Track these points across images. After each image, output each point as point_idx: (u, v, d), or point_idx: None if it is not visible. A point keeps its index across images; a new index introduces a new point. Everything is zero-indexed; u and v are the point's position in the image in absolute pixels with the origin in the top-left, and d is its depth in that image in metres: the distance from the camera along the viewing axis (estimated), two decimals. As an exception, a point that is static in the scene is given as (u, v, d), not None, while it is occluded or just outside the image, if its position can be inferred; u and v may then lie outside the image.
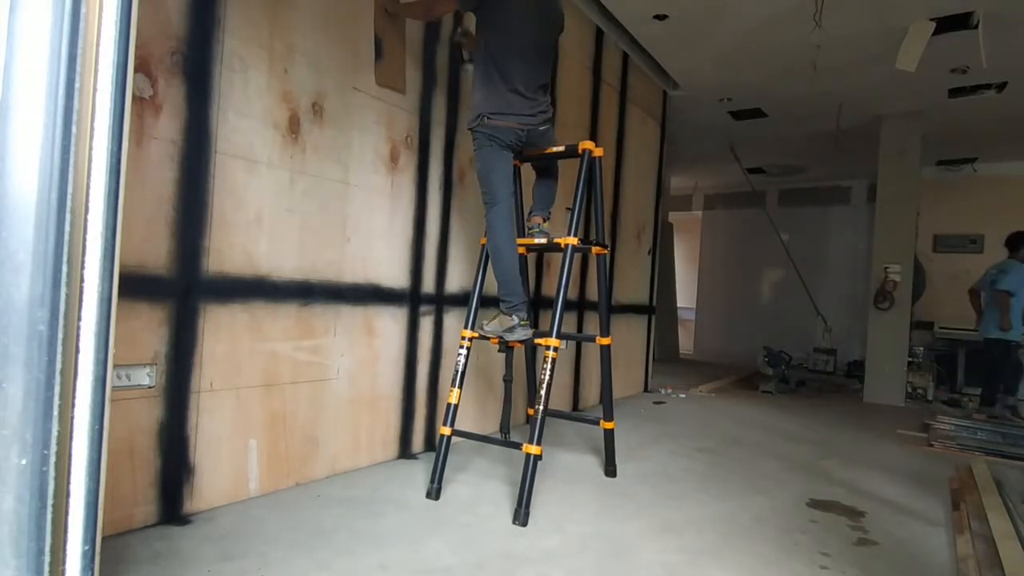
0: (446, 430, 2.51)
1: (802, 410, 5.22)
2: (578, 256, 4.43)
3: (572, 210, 2.56)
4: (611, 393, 2.92)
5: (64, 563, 0.70)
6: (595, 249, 2.82)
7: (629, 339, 5.36)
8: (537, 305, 3.83)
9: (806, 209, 9.31)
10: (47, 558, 0.68)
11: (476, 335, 2.62)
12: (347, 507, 2.28)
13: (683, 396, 5.62)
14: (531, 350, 3.09)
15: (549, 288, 4.05)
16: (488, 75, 2.50)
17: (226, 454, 2.18)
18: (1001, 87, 5.25)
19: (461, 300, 3.23)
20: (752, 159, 8.09)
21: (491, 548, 2.02)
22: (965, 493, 2.90)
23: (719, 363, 8.83)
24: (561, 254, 2.54)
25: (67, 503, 0.70)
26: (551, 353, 2.41)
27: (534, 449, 2.31)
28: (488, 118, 2.47)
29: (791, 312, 9.09)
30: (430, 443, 3.08)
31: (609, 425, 2.89)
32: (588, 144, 2.62)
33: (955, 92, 5.43)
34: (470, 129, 2.56)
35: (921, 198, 6.46)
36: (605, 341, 2.87)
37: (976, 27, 4.09)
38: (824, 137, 6.64)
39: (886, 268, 5.89)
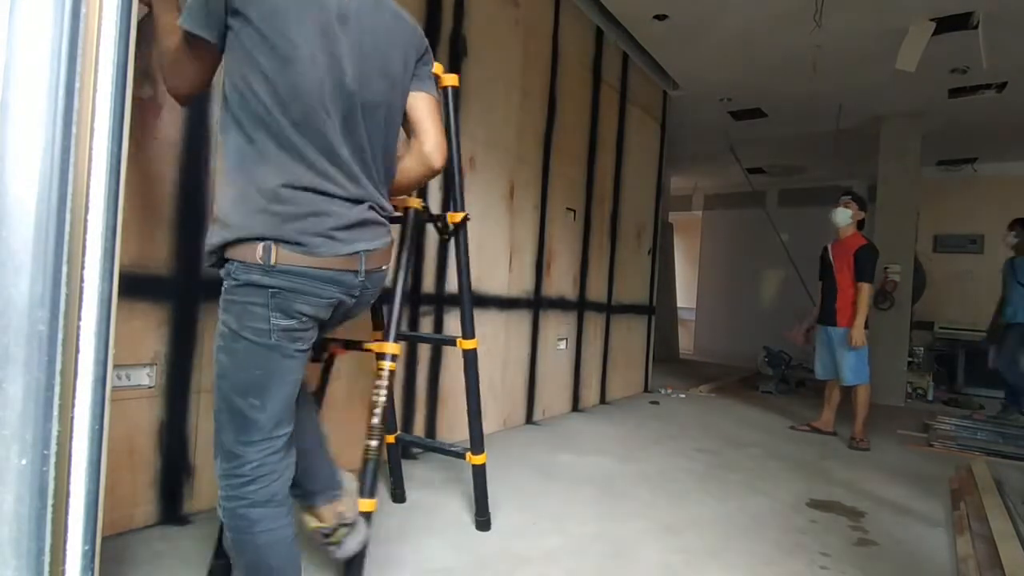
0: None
1: (802, 410, 5.22)
2: (578, 248, 4.43)
3: None
4: (479, 418, 2.17)
5: (64, 563, 0.70)
6: (450, 216, 2.10)
7: (629, 339, 5.36)
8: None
9: (806, 209, 9.31)
10: (47, 558, 0.68)
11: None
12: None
13: (683, 396, 5.62)
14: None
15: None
16: None
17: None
18: (1001, 87, 5.24)
19: (461, 300, 3.21)
20: (752, 159, 8.09)
21: (492, 548, 2.02)
22: (965, 493, 2.90)
23: (719, 363, 8.83)
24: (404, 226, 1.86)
25: (67, 503, 0.70)
26: (388, 364, 1.68)
27: (368, 504, 1.62)
28: None
29: (791, 312, 9.07)
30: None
31: (478, 460, 2.16)
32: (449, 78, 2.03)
33: (955, 92, 5.43)
34: None
35: (921, 198, 6.46)
36: (468, 344, 2.14)
37: (976, 27, 4.08)
38: (824, 137, 6.64)
39: (886, 268, 5.89)
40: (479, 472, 2.16)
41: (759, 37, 4.55)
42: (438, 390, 3.16)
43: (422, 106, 1.40)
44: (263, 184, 1.14)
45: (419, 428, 3.06)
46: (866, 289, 3.91)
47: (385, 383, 1.66)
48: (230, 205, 1.15)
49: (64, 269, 0.69)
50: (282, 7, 1.13)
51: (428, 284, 3.07)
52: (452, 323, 3.18)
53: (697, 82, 5.55)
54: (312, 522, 1.48)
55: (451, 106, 2.05)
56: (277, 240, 1.13)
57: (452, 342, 2.17)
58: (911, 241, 6.17)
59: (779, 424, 4.59)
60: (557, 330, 4.23)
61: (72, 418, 0.70)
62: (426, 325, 3.07)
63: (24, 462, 0.67)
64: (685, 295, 10.22)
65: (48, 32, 0.67)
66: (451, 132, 2.02)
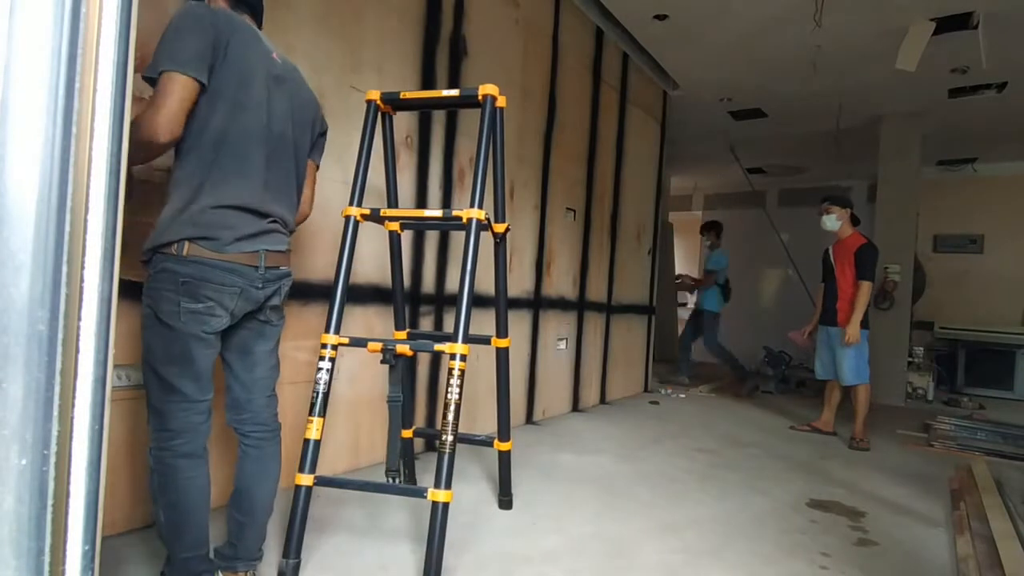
0: (305, 479, 1.85)
1: (802, 410, 5.22)
2: (578, 248, 4.43)
3: (476, 172, 1.99)
4: (508, 410, 2.38)
5: (64, 563, 0.70)
6: (495, 227, 2.23)
7: (629, 339, 5.36)
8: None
9: (806, 209, 9.30)
10: (47, 558, 0.68)
11: (344, 341, 1.98)
12: (347, 507, 2.28)
13: (683, 396, 5.62)
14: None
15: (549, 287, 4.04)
16: None
17: (224, 455, 2.18)
18: (1001, 87, 5.25)
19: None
20: (752, 159, 8.09)
21: (491, 548, 2.02)
22: (965, 493, 2.90)
23: (719, 363, 8.81)
24: (467, 233, 1.98)
25: (67, 503, 0.70)
26: (458, 364, 1.78)
27: (442, 495, 1.68)
28: None
29: (791, 312, 9.07)
30: (429, 444, 3.08)
31: (504, 446, 2.35)
32: (490, 89, 1.98)
33: (955, 92, 5.43)
34: None
35: (921, 198, 6.46)
36: (502, 343, 2.30)
37: (976, 27, 4.09)
38: (824, 137, 6.64)
39: (886, 268, 5.89)
40: (504, 457, 2.37)
41: (759, 37, 4.55)
42: (436, 390, 3.17)
43: (309, 171, 1.78)
44: (198, 203, 1.41)
45: (418, 423, 3.06)
46: (866, 288, 3.91)
47: (457, 382, 1.77)
48: (169, 216, 1.41)
49: (64, 269, 0.69)
50: (246, 68, 1.46)
51: (428, 284, 3.07)
52: (451, 323, 3.18)
53: (697, 82, 5.55)
54: None
55: (498, 127, 2.09)
56: (192, 239, 1.40)
57: (487, 341, 2.30)
58: (911, 241, 6.17)
59: (779, 424, 4.59)
60: (557, 330, 4.23)
61: (72, 418, 0.70)
62: (426, 324, 3.07)
63: (24, 462, 0.67)
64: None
65: (48, 32, 0.67)
66: (497, 151, 2.15)
